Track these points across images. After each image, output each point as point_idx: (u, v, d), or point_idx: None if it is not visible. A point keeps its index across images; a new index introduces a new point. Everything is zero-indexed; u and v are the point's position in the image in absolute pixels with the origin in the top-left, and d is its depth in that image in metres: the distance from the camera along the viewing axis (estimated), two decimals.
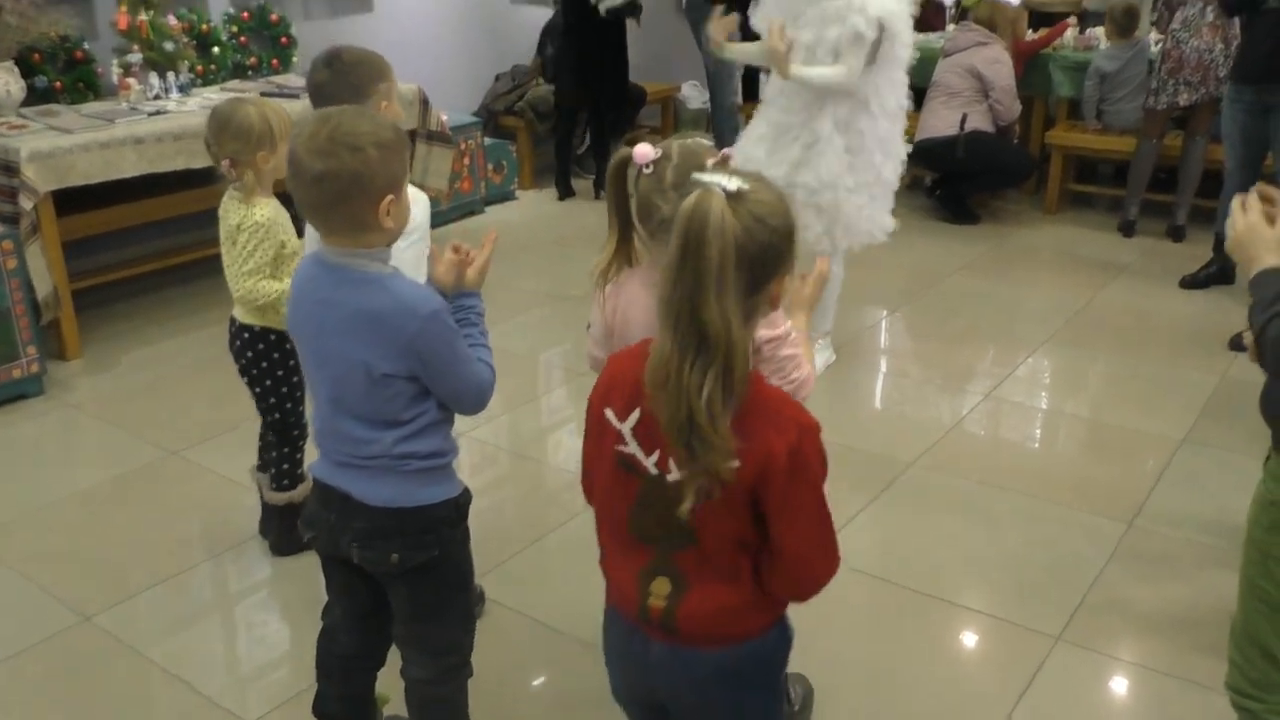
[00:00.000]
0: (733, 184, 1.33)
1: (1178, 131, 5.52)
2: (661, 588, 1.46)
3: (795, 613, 1.56)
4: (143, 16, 4.49)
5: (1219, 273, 4.82)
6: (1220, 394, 3.85)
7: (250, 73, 5.17)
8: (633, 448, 1.43)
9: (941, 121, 5.72)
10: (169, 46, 4.57)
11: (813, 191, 3.63)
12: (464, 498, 1.91)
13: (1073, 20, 6.24)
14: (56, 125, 4.07)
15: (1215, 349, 4.14)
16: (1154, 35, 5.69)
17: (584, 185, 6.55)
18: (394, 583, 1.88)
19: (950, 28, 6.62)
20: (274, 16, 5.24)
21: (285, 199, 2.00)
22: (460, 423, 1.97)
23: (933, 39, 6.29)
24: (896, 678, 2.48)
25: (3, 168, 3.88)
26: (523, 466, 3.50)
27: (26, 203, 3.82)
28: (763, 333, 1.85)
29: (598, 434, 1.49)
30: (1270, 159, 4.53)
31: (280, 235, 2.59)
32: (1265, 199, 1.69)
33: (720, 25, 3.79)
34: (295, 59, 5.30)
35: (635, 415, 1.42)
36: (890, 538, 3.03)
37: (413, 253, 2.14)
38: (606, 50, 6.13)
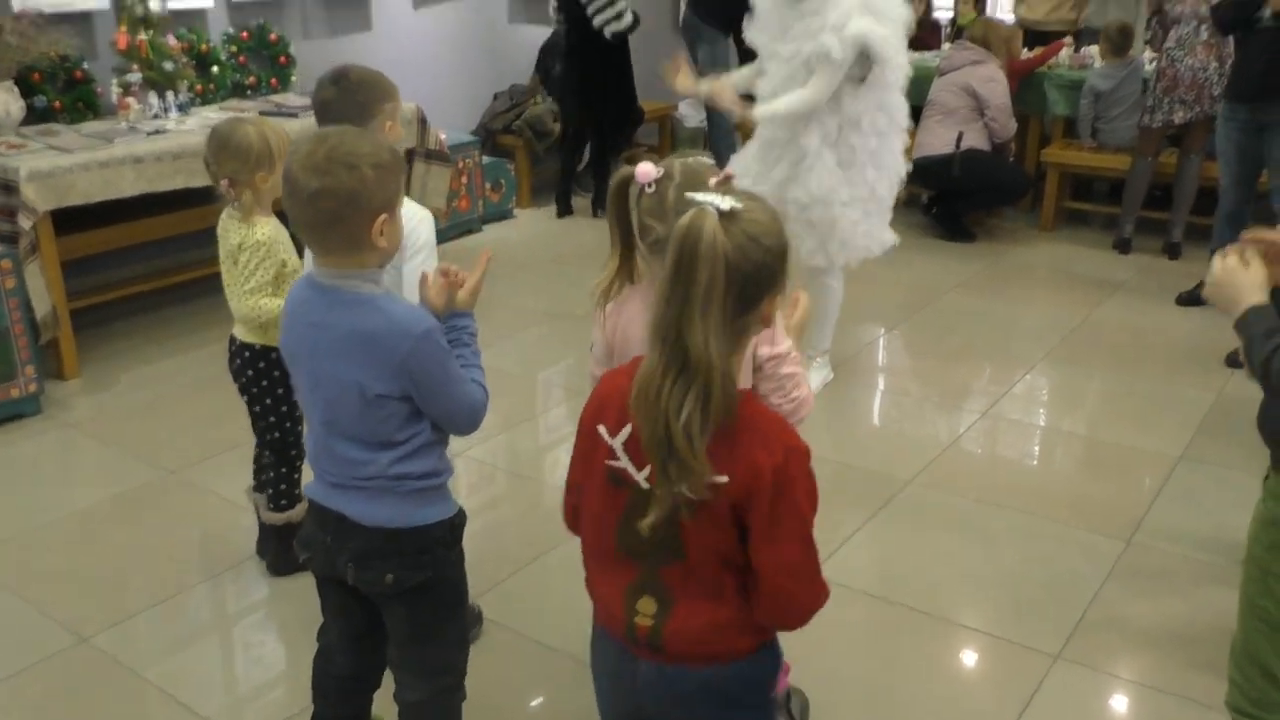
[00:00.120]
0: (726, 203, 1.34)
1: (1173, 149, 5.55)
2: (648, 606, 1.47)
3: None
4: (142, 36, 4.50)
5: None
6: (1217, 411, 3.85)
7: (249, 92, 5.19)
8: (624, 462, 1.44)
9: (937, 140, 5.75)
10: (168, 66, 4.58)
11: (804, 207, 3.64)
12: (459, 518, 1.91)
13: (1068, 40, 6.27)
14: (56, 145, 4.08)
15: (1212, 366, 4.15)
16: (1148, 54, 5.73)
17: (582, 204, 6.57)
18: (389, 603, 1.88)
19: (945, 46, 6.66)
20: (273, 36, 5.26)
21: (284, 219, 2.01)
22: (458, 442, 1.98)
23: (928, 58, 6.33)
24: (894, 696, 2.47)
25: (2, 187, 3.89)
26: (521, 486, 3.50)
27: (25, 222, 3.83)
28: (764, 350, 1.86)
29: (589, 450, 1.50)
30: (1265, 177, 4.55)
31: (281, 254, 2.60)
32: (1257, 242, 1.71)
33: (673, 70, 3.70)
34: (294, 78, 5.33)
35: (627, 430, 1.43)
36: (888, 555, 3.03)
37: (422, 271, 2.15)
38: (610, 71, 6.16)
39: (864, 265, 3.94)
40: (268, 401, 2.73)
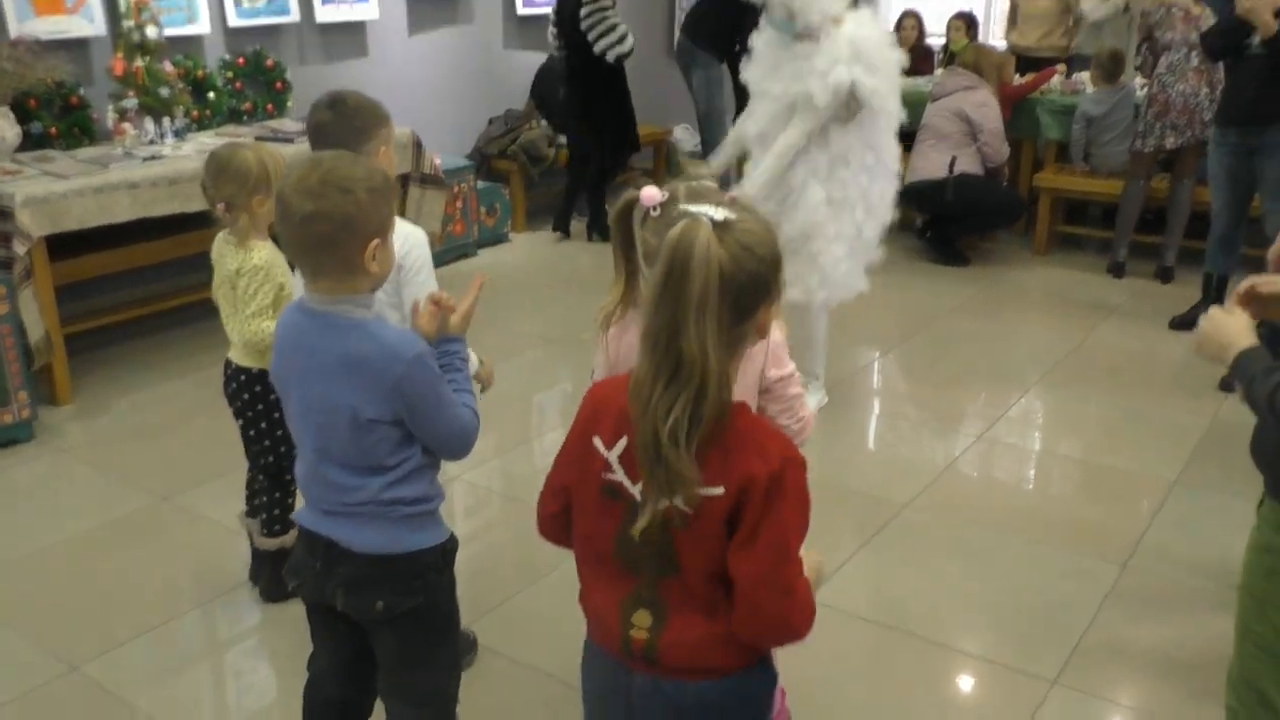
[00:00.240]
0: (720, 214, 1.35)
1: (1164, 174, 5.58)
2: (643, 619, 1.46)
3: (789, 653, 1.55)
4: (139, 63, 4.52)
5: None
6: (1211, 435, 3.85)
7: (245, 117, 5.21)
8: (620, 475, 1.44)
9: (931, 164, 5.78)
10: (164, 92, 4.60)
11: (789, 240, 3.66)
12: (450, 544, 1.90)
13: (1060, 68, 6.32)
14: (51, 170, 4.09)
15: (1205, 390, 4.15)
16: (1139, 80, 5.77)
17: (577, 227, 6.58)
18: (379, 630, 1.87)
19: (938, 72, 6.71)
20: (269, 61, 5.29)
21: (279, 243, 2.01)
22: (453, 466, 1.98)
23: (921, 83, 6.37)
24: None
25: None
26: (516, 510, 3.48)
27: (20, 248, 3.82)
28: (773, 372, 1.87)
29: (582, 459, 1.49)
30: (1256, 201, 4.58)
31: (279, 277, 2.60)
32: (1248, 298, 1.75)
33: None
34: (290, 103, 5.35)
35: (623, 443, 1.43)
36: (884, 580, 3.01)
37: (425, 290, 2.19)
38: (612, 95, 6.20)
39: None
40: (263, 425, 2.73)
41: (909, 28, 7.24)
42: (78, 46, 4.63)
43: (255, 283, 2.57)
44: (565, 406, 4.26)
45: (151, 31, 4.55)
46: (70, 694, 2.55)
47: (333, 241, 1.65)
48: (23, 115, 4.38)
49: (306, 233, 1.65)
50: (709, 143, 6.91)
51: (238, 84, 5.20)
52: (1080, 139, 5.85)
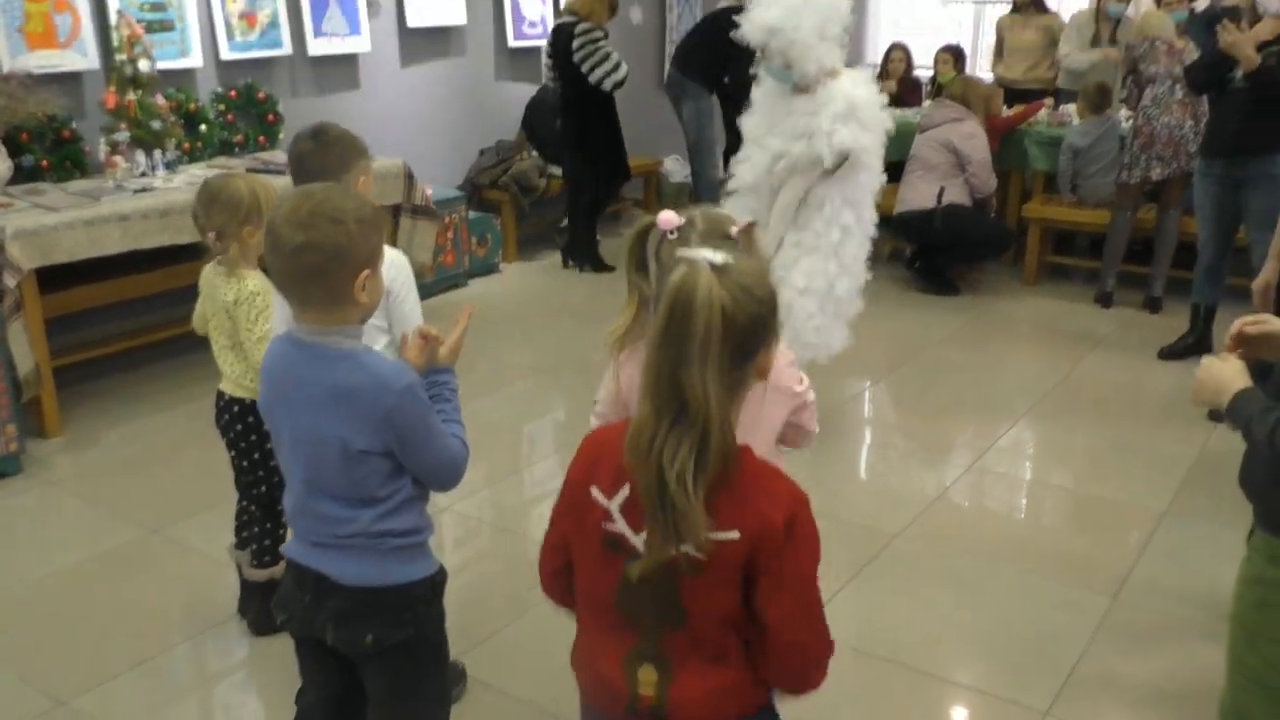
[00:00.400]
0: (718, 257, 1.35)
1: (1151, 205, 5.63)
2: (649, 675, 1.44)
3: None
4: (131, 96, 4.54)
5: (1196, 344, 4.87)
6: (1201, 465, 3.86)
7: (237, 149, 5.22)
8: (621, 525, 1.42)
9: (919, 195, 5.82)
10: (156, 125, 4.62)
11: None
12: (440, 576, 1.90)
13: (1048, 101, 6.38)
14: (42, 203, 4.09)
15: (1195, 420, 4.16)
16: (1125, 112, 5.82)
17: (556, 257, 6.61)
18: (368, 663, 1.86)
19: (926, 104, 6.76)
20: (261, 94, 5.31)
21: (267, 274, 2.02)
22: (443, 497, 1.97)
23: (909, 114, 6.42)
24: None
25: None
26: (506, 541, 3.47)
27: (10, 280, 3.82)
28: (799, 387, 1.88)
29: (580, 511, 1.47)
30: (1242, 232, 4.62)
31: (275, 303, 2.61)
32: (1238, 341, 1.79)
33: None
34: (282, 135, 5.36)
35: (624, 492, 1.41)
36: (875, 610, 3.01)
37: (416, 311, 2.29)
38: (605, 125, 6.25)
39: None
40: (256, 456, 2.72)
41: (897, 60, 7.31)
42: (70, 80, 4.64)
43: (255, 309, 2.58)
44: (556, 437, 4.26)
45: (144, 65, 4.57)
46: None
47: (323, 272, 1.66)
48: (14, 149, 4.39)
49: (297, 263, 1.65)
50: (699, 173, 6.96)
51: (229, 116, 5.22)
52: (1067, 170, 5.90)
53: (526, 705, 2.58)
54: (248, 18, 5.29)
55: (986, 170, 5.81)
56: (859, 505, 3.63)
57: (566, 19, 6.09)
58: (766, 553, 1.37)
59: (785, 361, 1.84)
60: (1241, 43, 4.19)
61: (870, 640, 2.84)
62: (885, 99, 3.78)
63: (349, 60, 5.85)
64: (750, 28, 3.63)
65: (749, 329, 1.35)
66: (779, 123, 3.64)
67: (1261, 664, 1.73)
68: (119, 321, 4.76)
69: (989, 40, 7.81)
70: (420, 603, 1.85)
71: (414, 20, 6.12)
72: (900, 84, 7.20)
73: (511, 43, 6.79)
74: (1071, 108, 6.13)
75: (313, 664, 1.94)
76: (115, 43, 4.58)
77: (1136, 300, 5.68)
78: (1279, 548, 1.70)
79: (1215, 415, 4.11)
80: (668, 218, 1.59)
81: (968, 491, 3.76)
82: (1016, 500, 3.80)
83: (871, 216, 3.81)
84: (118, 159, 4.53)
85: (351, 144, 2.40)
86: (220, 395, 2.74)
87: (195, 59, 5.10)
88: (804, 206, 3.67)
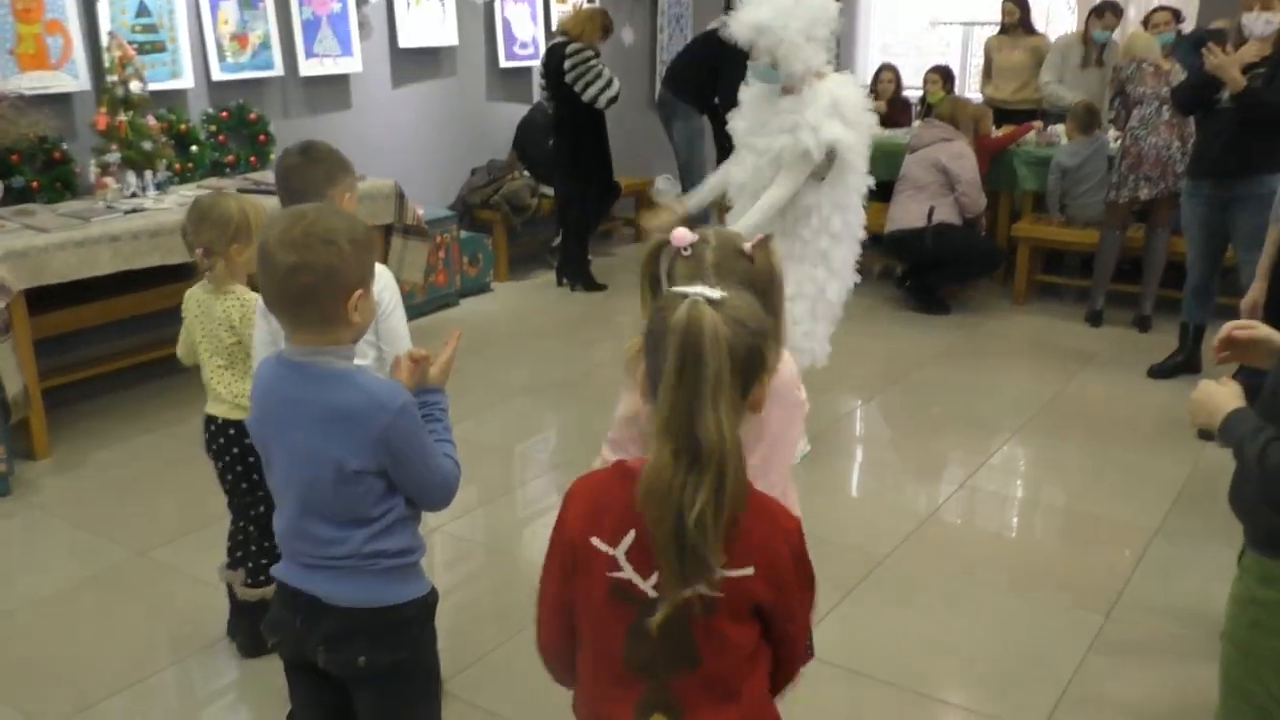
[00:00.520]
0: (716, 293, 1.34)
1: (1140, 224, 5.66)
2: None
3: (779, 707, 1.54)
4: (122, 117, 4.54)
5: (1186, 362, 4.89)
6: (1192, 483, 3.87)
7: (228, 170, 5.23)
8: (628, 572, 1.40)
9: (909, 214, 5.84)
10: (147, 145, 4.61)
11: None
12: (432, 596, 1.89)
13: (1038, 124, 6.42)
14: (32, 224, 4.08)
15: (1185, 438, 4.17)
16: (1113, 133, 5.87)
17: (549, 276, 6.62)
18: (361, 686, 1.84)
19: (915, 124, 6.80)
20: (253, 115, 5.32)
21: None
22: (435, 517, 1.97)
23: (899, 134, 6.46)
24: None
25: None
26: (498, 561, 3.46)
27: None
28: (801, 396, 1.88)
29: (583, 565, 1.43)
30: (1231, 251, 4.64)
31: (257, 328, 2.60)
32: (1225, 344, 1.82)
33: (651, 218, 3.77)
34: (273, 156, 5.36)
35: (629, 538, 1.39)
36: (868, 630, 3.00)
37: (403, 327, 2.31)
38: (597, 144, 6.27)
39: (842, 335, 3.95)
40: (255, 477, 2.70)
41: (886, 81, 7.36)
42: (62, 101, 4.64)
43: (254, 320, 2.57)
44: (548, 457, 4.25)
45: (135, 86, 4.57)
46: None
47: (316, 293, 1.66)
48: (5, 170, 4.39)
49: (290, 284, 1.65)
50: (690, 192, 6.98)
51: (221, 137, 5.22)
52: (1056, 190, 5.93)
53: None
54: (239, 39, 5.31)
55: (976, 189, 5.84)
56: (850, 524, 3.62)
57: (559, 39, 6.13)
58: (778, 585, 1.39)
59: (789, 372, 1.84)
60: (1227, 65, 4.23)
61: (862, 660, 2.83)
62: (873, 108, 3.79)
63: (341, 81, 5.87)
64: (739, 26, 3.65)
65: (748, 361, 1.35)
66: (767, 123, 3.67)
67: (1258, 686, 1.73)
68: (109, 342, 4.75)
69: (977, 61, 7.87)
70: (413, 624, 1.84)
71: (405, 41, 6.15)
72: (890, 104, 7.24)
73: (503, 63, 6.82)
74: (1060, 128, 6.17)
75: (303, 687, 1.93)
76: (107, 64, 4.59)
77: (1126, 319, 5.70)
78: (1270, 568, 1.70)
79: (1205, 434, 4.12)
80: (682, 235, 1.59)
81: (959, 510, 3.76)
82: (1008, 519, 3.80)
83: (859, 219, 3.82)
84: (108, 180, 4.53)
85: (339, 161, 2.42)
86: (212, 420, 2.70)
87: (187, 80, 5.11)
88: (793, 212, 3.68)
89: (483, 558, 3.48)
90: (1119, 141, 5.54)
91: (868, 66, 8.04)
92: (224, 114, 5.24)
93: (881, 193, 5.96)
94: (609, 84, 6.02)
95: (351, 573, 1.77)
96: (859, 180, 3.73)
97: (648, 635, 1.37)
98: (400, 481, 1.77)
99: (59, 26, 4.57)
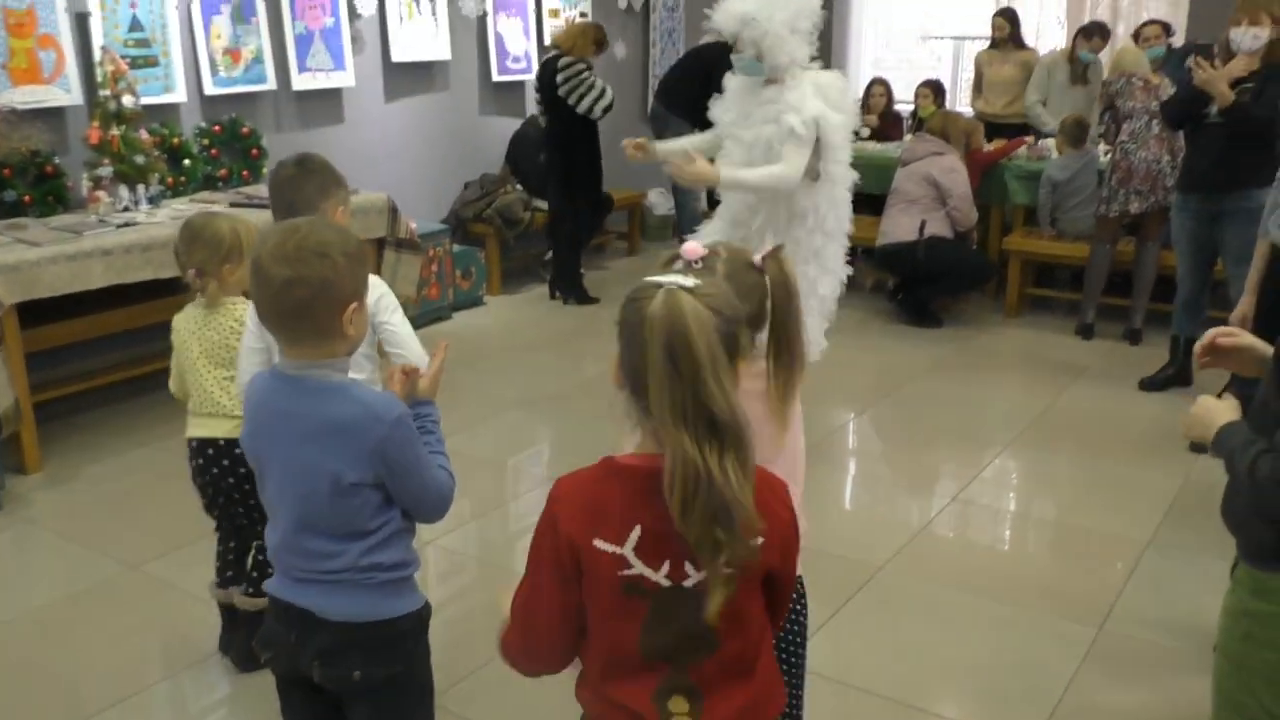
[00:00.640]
0: (689, 280, 1.36)
1: (1130, 238, 5.68)
2: (680, 706, 1.44)
3: None
4: (114, 131, 4.54)
5: (1177, 375, 4.91)
6: (1184, 496, 3.88)
7: (220, 184, 5.22)
8: (639, 568, 1.40)
9: (901, 228, 5.87)
10: (140, 159, 4.61)
11: None
12: (426, 610, 1.89)
13: (1029, 139, 6.46)
14: (24, 238, 4.08)
15: (1176, 451, 4.18)
16: (1103, 147, 5.90)
17: (543, 290, 6.63)
18: (355, 701, 1.84)
19: (907, 138, 6.83)
20: (245, 129, 5.32)
21: None
22: (428, 530, 1.97)
23: (890, 148, 6.49)
24: None
25: None
26: (491, 575, 3.45)
27: None
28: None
29: (591, 568, 1.42)
30: (1220, 265, 4.66)
31: (245, 345, 2.59)
32: (1208, 349, 1.83)
33: (631, 147, 3.86)
34: (265, 170, 5.37)
35: (635, 533, 1.39)
36: (860, 644, 3.00)
37: (406, 326, 2.36)
38: (590, 158, 6.29)
39: (835, 349, 3.96)
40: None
41: (878, 95, 7.39)
42: (54, 115, 4.64)
43: None
44: (541, 470, 4.25)
45: (128, 100, 4.58)
46: None
47: (310, 306, 1.66)
48: None
49: (284, 298, 1.65)
50: (682, 205, 7.02)
51: (213, 151, 5.22)
52: (1047, 204, 5.96)
53: None
54: (232, 53, 5.32)
55: (967, 203, 5.86)
56: (843, 537, 3.62)
57: (552, 53, 6.15)
58: (784, 550, 1.44)
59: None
60: (1215, 79, 4.25)
61: (854, 673, 2.83)
62: (864, 120, 3.83)
63: (333, 95, 5.88)
64: (724, 16, 3.68)
65: (725, 347, 1.35)
66: (750, 114, 3.70)
67: (1251, 699, 1.73)
68: (101, 356, 4.73)
69: (968, 75, 7.90)
70: (408, 637, 1.84)
71: (398, 55, 6.16)
72: (881, 118, 7.28)
73: (495, 77, 6.84)
74: (1050, 142, 6.21)
75: (296, 702, 1.92)
76: (99, 78, 4.59)
77: (1117, 332, 5.72)
78: (1262, 580, 1.70)
79: (1197, 447, 4.14)
80: (692, 248, 1.61)
81: (952, 523, 3.77)
82: (1000, 532, 3.81)
83: (848, 213, 3.85)
84: (101, 194, 4.52)
85: (332, 175, 2.44)
86: (211, 442, 2.66)
87: (179, 94, 5.11)
88: (787, 213, 3.70)
89: (476, 571, 3.48)
90: (1109, 156, 5.57)
91: (859, 80, 8.08)
92: (216, 128, 5.24)
93: (873, 206, 6.02)
94: (602, 94, 6.05)
95: (346, 586, 1.77)
96: (845, 172, 3.75)
97: (669, 622, 1.39)
98: (397, 493, 1.77)
99: (52, 41, 4.58)
